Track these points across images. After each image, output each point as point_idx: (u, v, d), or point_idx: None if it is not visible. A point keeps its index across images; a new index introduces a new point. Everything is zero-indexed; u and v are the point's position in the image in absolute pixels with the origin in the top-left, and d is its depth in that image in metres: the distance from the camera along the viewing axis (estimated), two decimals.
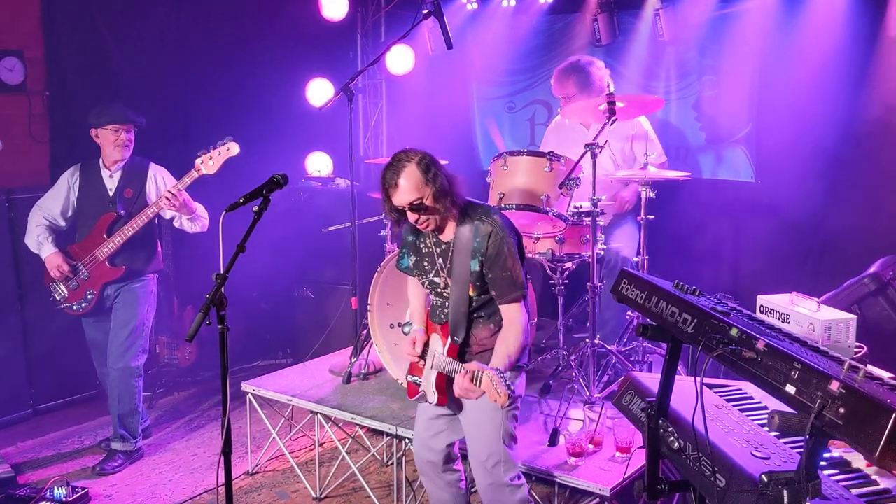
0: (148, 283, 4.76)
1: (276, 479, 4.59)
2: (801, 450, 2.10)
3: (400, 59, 6.32)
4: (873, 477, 2.10)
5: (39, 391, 5.43)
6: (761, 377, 1.84)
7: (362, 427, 4.51)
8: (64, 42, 5.62)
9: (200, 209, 4.70)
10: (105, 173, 4.67)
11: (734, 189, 5.42)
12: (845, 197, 4.87)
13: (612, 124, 4.29)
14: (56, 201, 4.67)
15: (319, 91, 6.39)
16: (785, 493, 1.76)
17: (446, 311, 3.29)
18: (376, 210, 5.00)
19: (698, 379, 2.00)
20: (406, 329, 4.33)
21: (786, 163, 5.09)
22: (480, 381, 2.94)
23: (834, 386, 1.63)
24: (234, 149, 4.45)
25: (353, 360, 4.70)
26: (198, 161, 4.44)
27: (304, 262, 6.16)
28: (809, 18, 4.92)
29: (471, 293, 3.19)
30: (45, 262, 4.61)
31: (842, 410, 1.60)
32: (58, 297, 4.68)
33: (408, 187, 3.08)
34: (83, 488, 4.28)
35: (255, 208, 2.83)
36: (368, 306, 4.50)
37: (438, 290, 3.31)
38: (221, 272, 2.70)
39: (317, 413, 4.38)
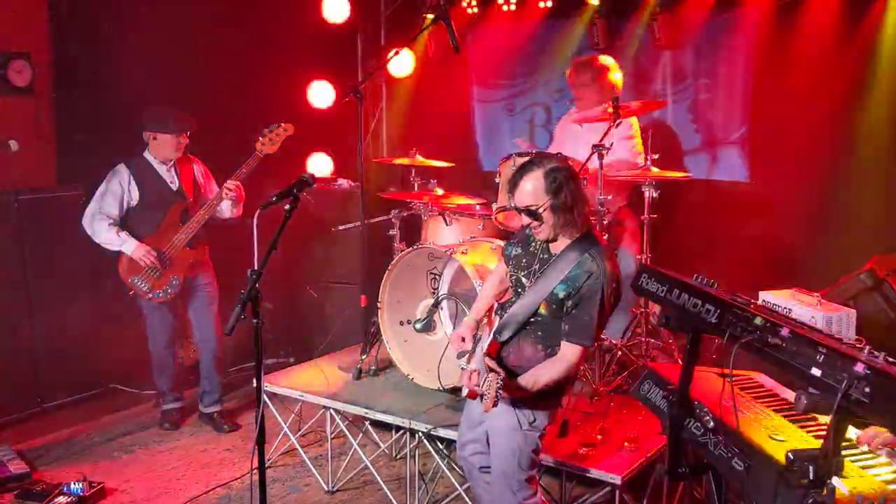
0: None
1: (288, 474, 4.68)
2: (817, 433, 2.24)
3: (401, 61, 6.42)
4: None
5: (48, 388, 5.45)
6: (787, 362, 1.97)
7: (371, 422, 4.60)
8: (71, 44, 5.66)
9: None
10: (161, 168, 4.97)
11: (730, 189, 5.55)
12: (838, 196, 5.02)
13: (616, 126, 4.43)
14: (115, 203, 4.90)
15: (320, 93, 6.47)
16: (811, 468, 1.88)
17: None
18: (384, 209, 5.10)
19: (726, 367, 2.13)
20: (417, 325, 4.45)
21: (779, 164, 5.25)
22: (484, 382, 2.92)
23: (859, 367, 1.75)
24: (290, 129, 4.93)
25: (363, 357, 4.79)
26: (257, 145, 4.85)
27: (308, 262, 6.22)
28: (803, 25, 5.07)
29: (541, 309, 3.13)
30: (134, 252, 4.83)
31: (867, 389, 1.73)
32: (144, 288, 4.89)
33: (527, 191, 3.06)
34: (99, 483, 4.35)
35: (285, 207, 2.94)
36: (378, 304, 4.59)
37: (519, 291, 3.26)
38: (255, 268, 2.81)
39: (329, 408, 4.47)
